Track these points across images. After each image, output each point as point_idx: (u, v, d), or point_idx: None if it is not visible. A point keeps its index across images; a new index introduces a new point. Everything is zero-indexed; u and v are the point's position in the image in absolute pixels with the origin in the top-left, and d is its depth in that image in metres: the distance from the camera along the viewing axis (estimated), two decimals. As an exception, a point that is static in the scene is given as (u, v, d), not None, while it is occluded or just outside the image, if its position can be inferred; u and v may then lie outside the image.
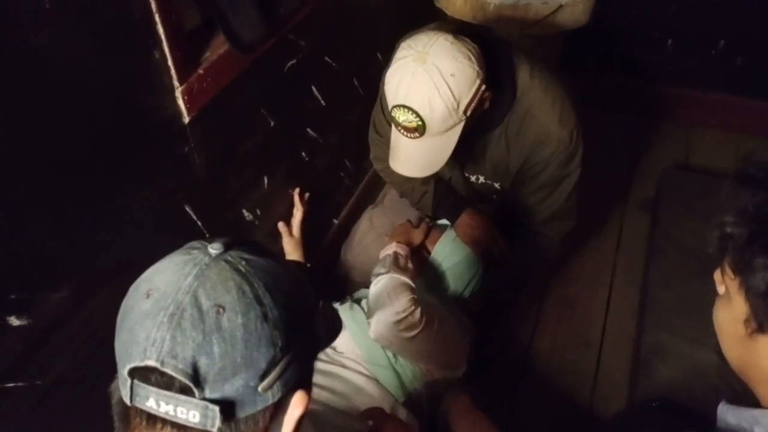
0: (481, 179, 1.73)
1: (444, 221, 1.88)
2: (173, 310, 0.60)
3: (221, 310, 0.60)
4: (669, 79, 2.77)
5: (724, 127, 2.72)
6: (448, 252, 1.77)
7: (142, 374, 0.60)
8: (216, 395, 0.60)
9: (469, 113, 1.35)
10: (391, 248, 1.64)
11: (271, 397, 0.63)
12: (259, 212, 1.65)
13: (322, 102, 1.84)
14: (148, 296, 0.62)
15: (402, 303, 1.45)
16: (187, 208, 1.34)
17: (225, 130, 1.43)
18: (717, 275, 0.77)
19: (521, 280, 1.92)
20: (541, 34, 2.15)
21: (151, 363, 0.59)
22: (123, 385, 0.62)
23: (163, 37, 1.14)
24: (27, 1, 0.89)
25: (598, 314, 2.08)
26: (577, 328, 2.04)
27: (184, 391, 0.59)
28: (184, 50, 1.21)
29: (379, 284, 1.52)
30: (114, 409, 0.66)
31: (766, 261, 0.66)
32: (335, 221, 2.16)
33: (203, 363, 0.59)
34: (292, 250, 1.75)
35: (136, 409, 0.61)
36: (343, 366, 1.51)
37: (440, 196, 1.84)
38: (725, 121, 2.72)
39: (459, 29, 1.53)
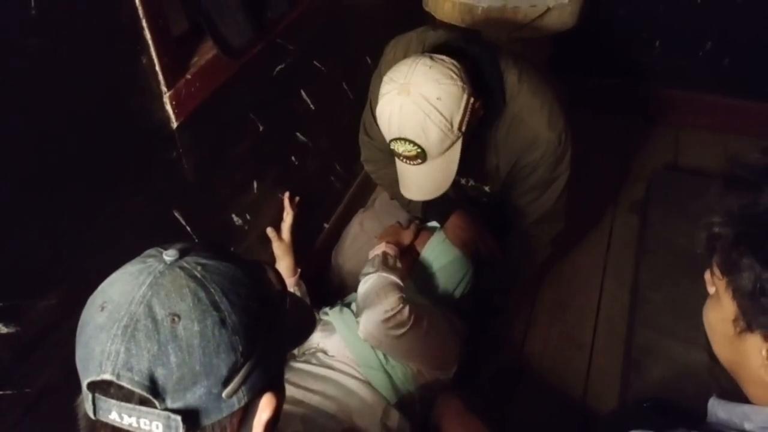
0: (471, 182, 1.74)
1: (434, 223, 1.88)
2: (127, 322, 0.59)
3: (176, 318, 0.59)
4: (657, 80, 2.78)
5: (713, 127, 2.74)
6: (438, 253, 1.77)
7: (101, 388, 0.60)
8: (178, 405, 0.59)
9: (464, 129, 1.36)
10: (380, 248, 1.64)
11: (237, 403, 0.62)
12: (248, 217, 1.64)
13: (312, 106, 1.84)
14: (102, 309, 0.61)
15: (390, 301, 1.45)
16: (176, 214, 1.33)
17: (213, 135, 1.43)
18: (707, 275, 0.77)
19: (512, 283, 1.92)
20: (530, 37, 2.15)
21: (107, 377, 0.58)
22: (85, 399, 0.61)
23: (150, 42, 1.14)
24: (13, 9, 0.88)
25: (589, 315, 2.09)
26: (569, 330, 2.05)
27: (145, 402, 0.59)
28: (172, 55, 1.20)
29: (367, 283, 1.53)
30: (80, 424, 0.65)
31: (753, 261, 0.67)
32: (326, 225, 2.15)
33: (160, 374, 0.59)
34: (282, 255, 1.75)
35: (101, 422, 0.61)
36: (335, 369, 1.51)
37: None
38: (714, 121, 2.73)
39: (446, 33, 1.54)
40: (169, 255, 0.64)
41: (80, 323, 0.64)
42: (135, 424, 0.59)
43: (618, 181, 2.59)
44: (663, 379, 1.71)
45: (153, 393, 0.58)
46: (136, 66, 1.14)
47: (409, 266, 1.72)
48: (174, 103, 1.23)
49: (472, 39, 1.52)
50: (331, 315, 1.63)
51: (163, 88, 1.20)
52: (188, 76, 1.26)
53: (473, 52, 1.45)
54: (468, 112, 1.35)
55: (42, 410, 1.07)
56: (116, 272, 0.65)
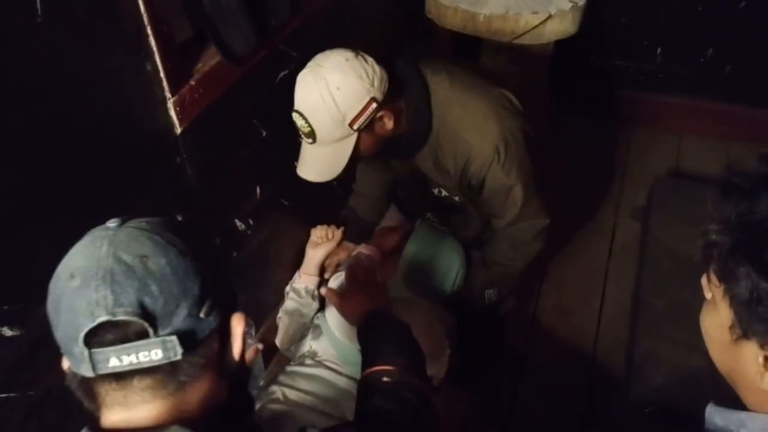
0: (444, 192, 1.74)
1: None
2: (103, 273, 0.63)
3: (145, 258, 0.65)
4: (659, 87, 2.79)
5: (714, 134, 2.74)
6: (417, 249, 1.79)
7: (98, 337, 0.63)
8: (169, 330, 0.64)
9: (357, 127, 1.38)
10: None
11: (214, 321, 0.69)
12: (251, 222, 1.65)
13: (315, 112, 1.85)
14: (73, 277, 0.65)
15: None
16: (180, 219, 1.34)
17: (217, 141, 1.44)
18: (704, 281, 0.77)
19: (505, 279, 1.88)
20: (531, 43, 2.16)
21: (103, 318, 0.62)
22: (81, 362, 0.63)
23: (155, 49, 1.15)
24: (20, 14, 0.89)
25: (591, 322, 2.09)
26: (571, 336, 2.05)
27: (140, 335, 0.63)
28: (176, 62, 1.22)
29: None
30: (77, 395, 0.69)
31: (749, 269, 0.67)
32: (328, 230, 2.16)
33: (148, 302, 0.63)
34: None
35: (102, 376, 0.64)
36: (325, 368, 1.56)
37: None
38: (715, 128, 2.73)
39: (417, 54, 1.59)
40: (112, 222, 0.69)
41: (53, 300, 0.67)
42: (135, 360, 0.63)
43: (620, 187, 2.59)
44: (665, 385, 1.71)
45: (146, 319, 0.63)
46: (140, 72, 1.15)
47: (393, 267, 1.78)
48: (178, 109, 1.24)
49: (401, 54, 1.54)
50: (320, 318, 1.69)
51: (167, 94, 1.21)
52: (192, 83, 1.27)
53: (397, 68, 1.48)
54: (366, 116, 1.38)
55: (45, 413, 1.08)
56: (69, 252, 0.69)
